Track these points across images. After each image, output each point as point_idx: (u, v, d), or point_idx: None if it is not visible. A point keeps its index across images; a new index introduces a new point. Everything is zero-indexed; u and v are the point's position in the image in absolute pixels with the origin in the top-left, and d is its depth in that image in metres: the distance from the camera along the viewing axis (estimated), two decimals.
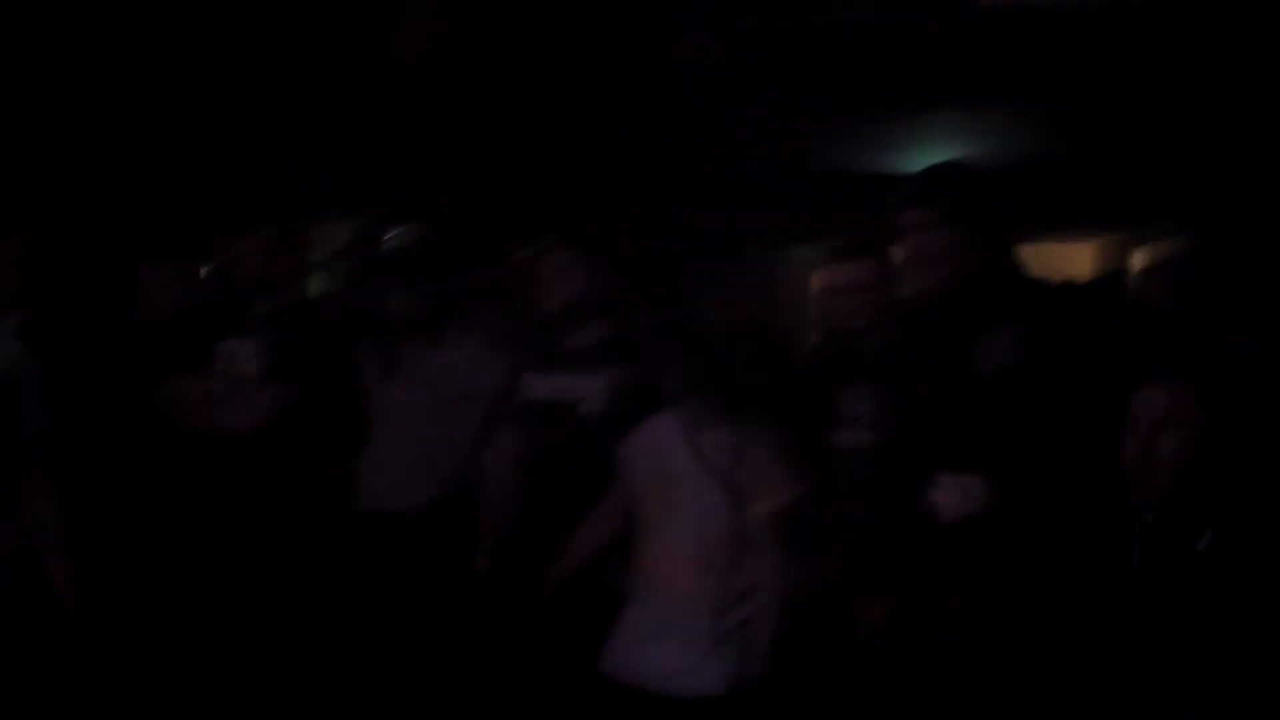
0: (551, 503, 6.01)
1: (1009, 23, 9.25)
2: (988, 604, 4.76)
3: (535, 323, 6.47)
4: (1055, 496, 4.67)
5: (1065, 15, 9.12)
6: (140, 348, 7.31)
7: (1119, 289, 8.22)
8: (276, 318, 7.01)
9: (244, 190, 12.72)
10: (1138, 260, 13.07)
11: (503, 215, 12.92)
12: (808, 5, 9.76)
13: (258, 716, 6.62)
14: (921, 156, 12.01)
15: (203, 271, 7.98)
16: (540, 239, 7.11)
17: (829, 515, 5.39)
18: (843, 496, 5.19)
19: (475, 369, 6.73)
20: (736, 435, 5.19)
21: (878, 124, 10.91)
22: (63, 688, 5.79)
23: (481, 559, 6.14)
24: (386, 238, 12.96)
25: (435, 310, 6.88)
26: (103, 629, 5.65)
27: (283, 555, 6.75)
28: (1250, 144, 10.20)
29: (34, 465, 5.21)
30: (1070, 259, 12.76)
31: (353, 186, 13.39)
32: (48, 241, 7.37)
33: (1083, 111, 9.76)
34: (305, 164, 13.25)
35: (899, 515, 4.86)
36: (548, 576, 5.61)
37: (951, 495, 4.69)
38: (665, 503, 5.25)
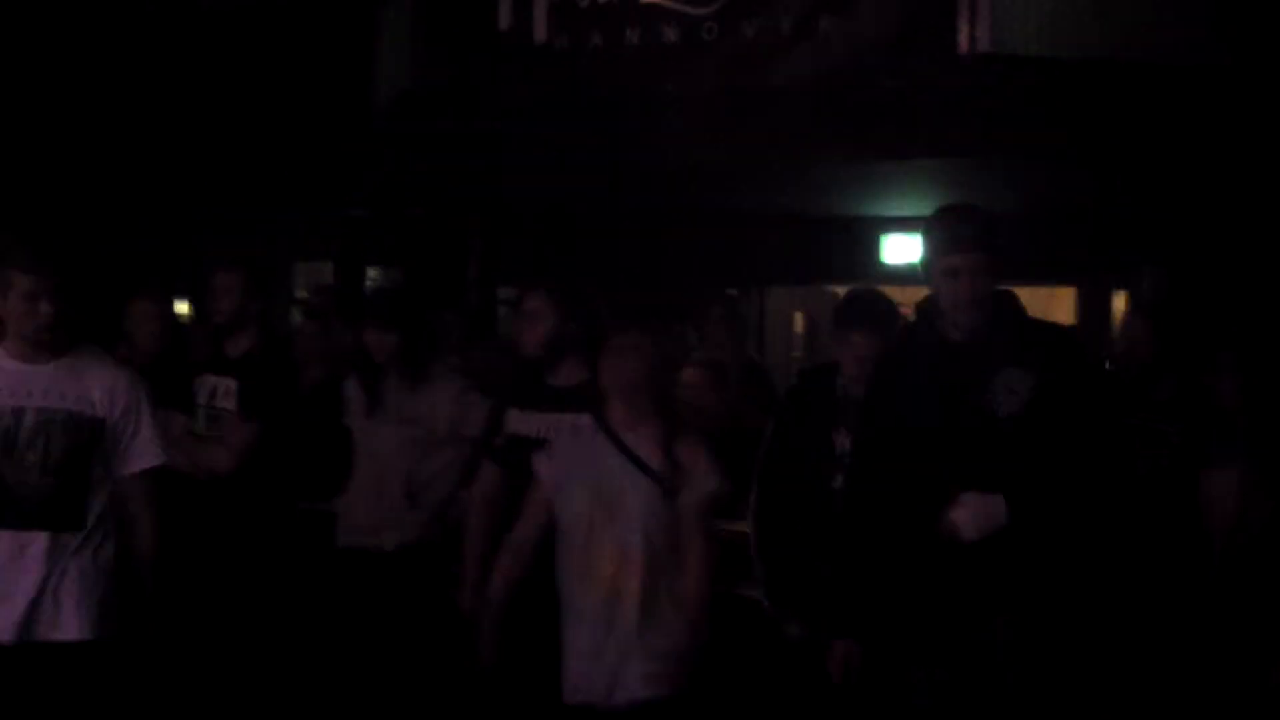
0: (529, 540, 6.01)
1: (995, 72, 9.31)
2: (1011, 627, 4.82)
3: (517, 362, 6.45)
4: (1070, 520, 4.78)
5: (1053, 66, 9.19)
6: None
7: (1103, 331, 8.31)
8: (256, 355, 6.99)
9: (223, 227, 12.74)
10: (1119, 304, 13.17)
11: (482, 257, 12.98)
12: (797, 52, 9.82)
13: None
14: (902, 202, 12.13)
15: (181, 308, 8.00)
16: (522, 280, 7.12)
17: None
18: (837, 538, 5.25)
19: (458, 407, 6.73)
20: (669, 433, 5.36)
21: (859, 169, 10.94)
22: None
23: (463, 597, 6.12)
24: (367, 278, 13.04)
25: (417, 349, 6.87)
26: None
27: (264, 591, 6.74)
28: (1226, 190, 10.28)
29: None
30: (1049, 304, 12.83)
31: (333, 227, 13.43)
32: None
33: (1064, 161, 9.82)
34: (286, 202, 13.28)
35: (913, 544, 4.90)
36: (486, 603, 5.66)
37: (973, 514, 4.75)
38: (604, 504, 5.33)
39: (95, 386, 5.15)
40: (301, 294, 12.57)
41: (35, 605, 5.01)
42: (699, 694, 5.31)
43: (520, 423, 6.17)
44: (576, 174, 10.98)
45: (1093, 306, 13.65)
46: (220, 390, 6.90)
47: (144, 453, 5.23)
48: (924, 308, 5.09)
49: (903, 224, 12.77)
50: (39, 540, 5.03)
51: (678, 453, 5.35)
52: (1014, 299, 5.04)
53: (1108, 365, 7.43)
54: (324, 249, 13.52)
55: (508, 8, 10.84)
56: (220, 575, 6.73)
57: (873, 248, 13.14)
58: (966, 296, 4.87)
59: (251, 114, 13.80)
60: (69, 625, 5.04)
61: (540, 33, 10.69)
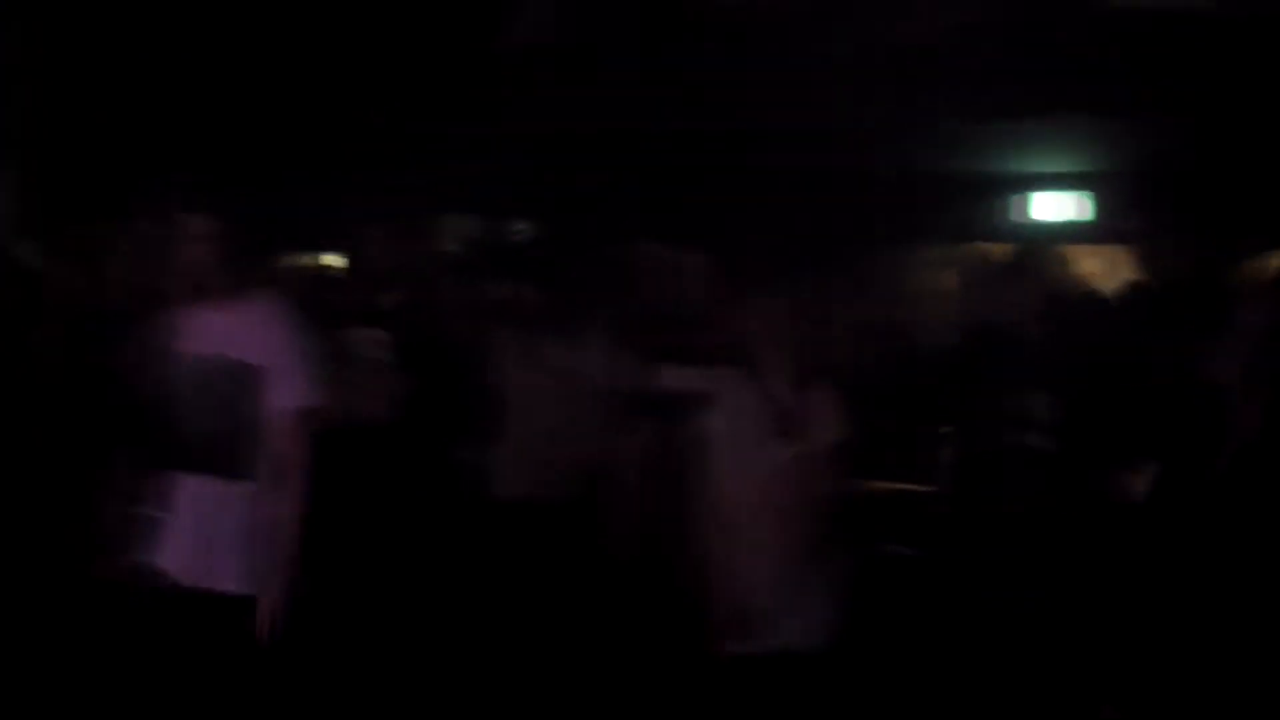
0: (682, 492, 6.04)
1: (1136, 26, 9.16)
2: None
3: (667, 316, 6.47)
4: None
5: (1194, 20, 9.02)
6: None
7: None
8: (406, 308, 7.07)
9: (373, 183, 12.87)
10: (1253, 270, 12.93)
11: (633, 213, 12.98)
12: (930, 5, 9.72)
13: (396, 701, 6.71)
14: (1042, 161, 11.98)
15: (334, 262, 8.10)
16: (671, 237, 7.14)
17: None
18: (1018, 492, 5.24)
19: (607, 361, 6.75)
20: (802, 378, 5.31)
21: (999, 125, 10.83)
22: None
23: (613, 547, 6.17)
24: (516, 231, 13.08)
25: (567, 304, 6.91)
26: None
27: (414, 542, 6.82)
28: None
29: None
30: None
31: (480, 181, 13.50)
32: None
33: (1203, 119, 9.64)
34: (433, 158, 13.37)
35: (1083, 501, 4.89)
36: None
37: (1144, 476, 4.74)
38: (736, 455, 5.32)
39: (255, 331, 5.09)
40: (450, 247, 12.63)
41: (200, 551, 5.00)
42: (833, 646, 5.29)
43: (670, 376, 6.19)
44: (717, 134, 10.95)
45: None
46: (372, 341, 6.98)
47: (297, 393, 5.12)
48: None
49: (1051, 182, 12.59)
50: (204, 485, 5.02)
51: (809, 396, 5.31)
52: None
53: None
54: (473, 203, 13.58)
55: None
56: (373, 524, 6.81)
57: (1022, 207, 12.98)
58: (1139, 255, 4.87)
59: (394, 69, 13.93)
60: (228, 576, 5.02)
61: None
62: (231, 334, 5.05)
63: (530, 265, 7.18)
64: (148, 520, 5.11)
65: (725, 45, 10.37)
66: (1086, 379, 5.11)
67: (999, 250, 6.41)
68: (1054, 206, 12.49)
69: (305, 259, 7.69)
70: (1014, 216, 12.83)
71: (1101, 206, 11.95)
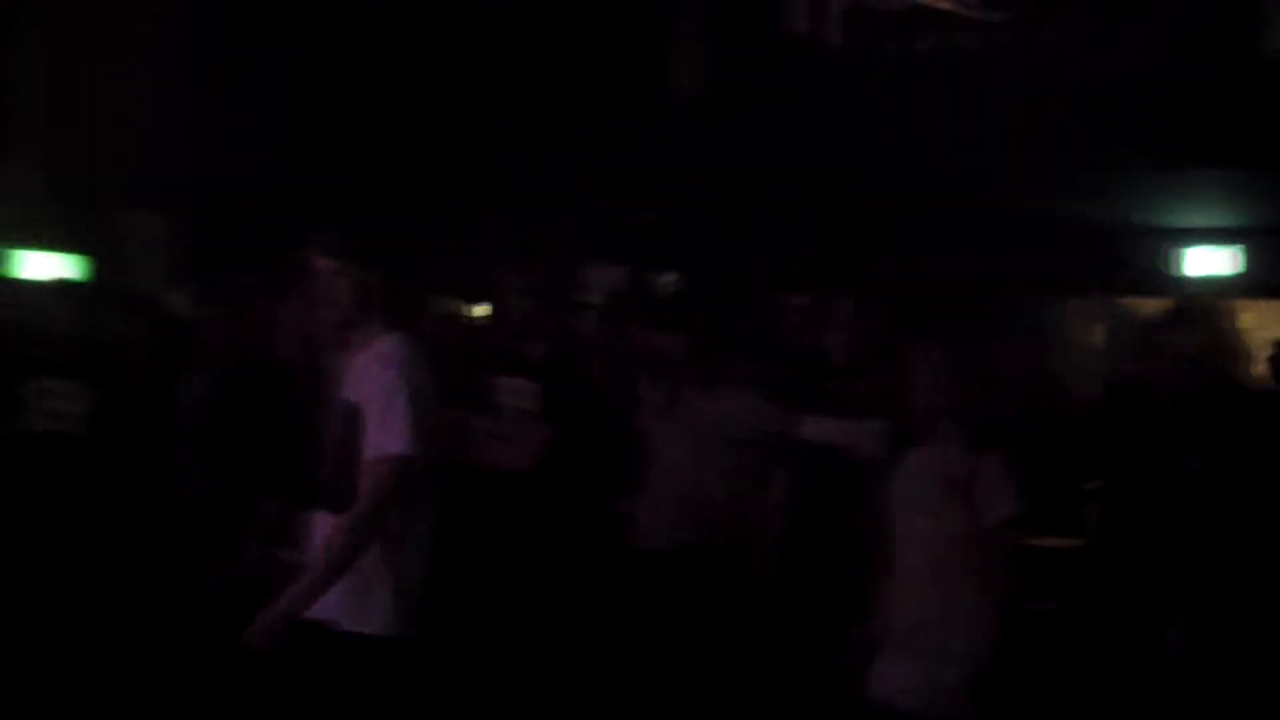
0: (823, 544, 6.03)
1: None
2: None
3: (811, 367, 6.46)
4: None
5: None
6: None
7: None
8: (553, 357, 7.11)
9: (518, 231, 12.98)
10: None
11: (776, 262, 12.99)
12: (1094, 57, 9.66)
13: None
14: (1196, 214, 11.83)
15: (481, 311, 8.16)
16: (817, 286, 7.13)
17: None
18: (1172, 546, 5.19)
19: (750, 412, 6.75)
20: (975, 446, 5.21)
21: (1153, 177, 10.71)
22: None
23: (755, 596, 6.16)
24: (661, 282, 13.13)
25: (710, 354, 6.92)
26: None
27: (557, 590, 6.84)
28: None
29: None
30: None
31: (625, 230, 13.58)
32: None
33: None
34: (579, 206, 13.47)
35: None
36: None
37: None
38: (908, 520, 5.26)
39: (368, 373, 5.03)
40: (594, 298, 12.70)
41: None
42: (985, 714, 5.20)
43: (813, 428, 6.17)
44: (868, 179, 10.93)
45: None
46: (518, 392, 7.02)
47: (385, 437, 4.94)
48: None
49: (1204, 236, 12.44)
50: (329, 523, 4.97)
51: (984, 465, 5.21)
52: None
53: None
54: (616, 252, 13.67)
55: (801, 12, 10.87)
56: (517, 574, 6.84)
57: (1174, 260, 12.82)
58: None
59: (542, 117, 14.06)
60: (342, 613, 4.95)
61: (833, 37, 10.69)
62: (355, 376, 5.05)
63: (676, 314, 7.19)
64: (287, 561, 5.18)
65: (882, 93, 10.39)
66: (1237, 433, 5.04)
67: (1150, 304, 6.34)
68: (1207, 260, 12.34)
69: (453, 307, 7.72)
70: (1167, 269, 12.69)
71: (1254, 260, 11.78)
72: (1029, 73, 9.91)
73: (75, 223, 15.19)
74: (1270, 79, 9.26)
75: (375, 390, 4.95)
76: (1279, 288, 11.01)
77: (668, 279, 13.13)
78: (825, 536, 6.10)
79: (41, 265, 14.10)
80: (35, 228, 15.24)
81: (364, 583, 4.93)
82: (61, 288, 8.27)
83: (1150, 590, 6.02)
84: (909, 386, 5.33)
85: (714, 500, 6.75)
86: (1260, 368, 7.98)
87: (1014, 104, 10.19)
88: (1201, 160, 9.77)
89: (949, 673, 5.11)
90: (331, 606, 4.95)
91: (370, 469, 4.89)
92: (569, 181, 13.47)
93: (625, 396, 7.22)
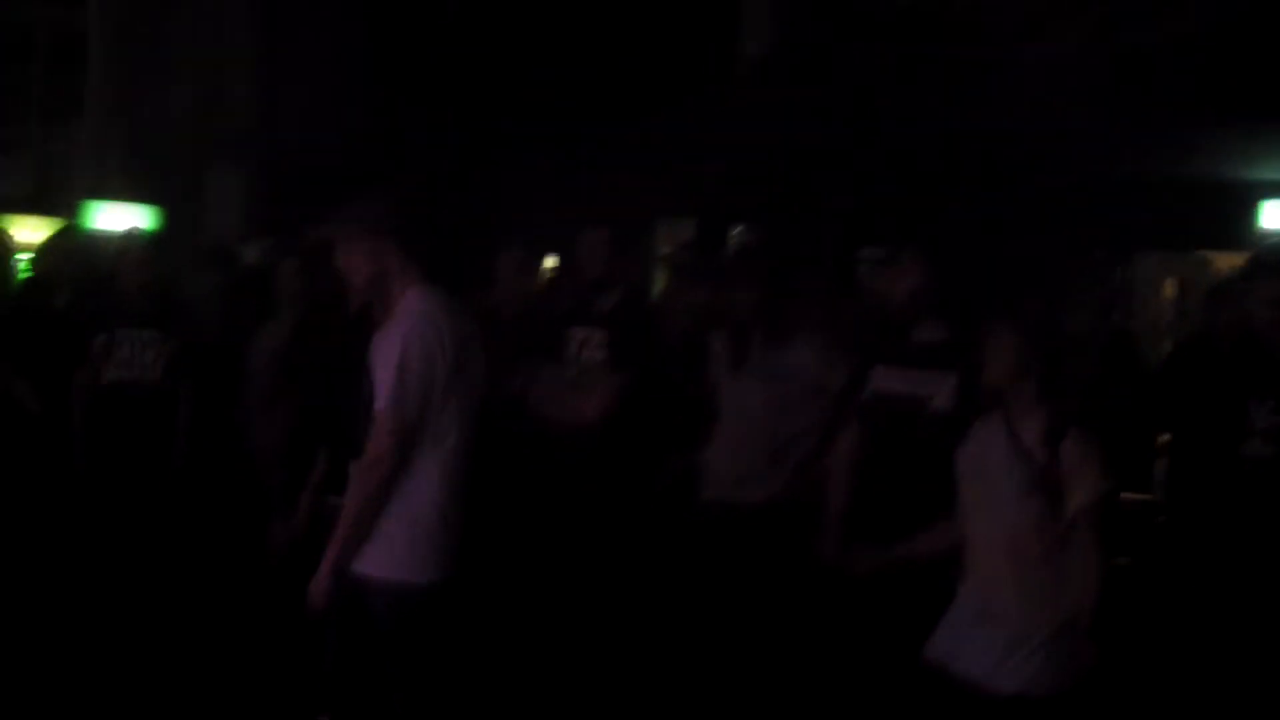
0: (894, 496, 6.01)
1: None
2: None
3: (883, 319, 6.44)
4: None
5: None
6: (495, 334, 7.53)
7: None
8: (624, 309, 7.12)
9: (589, 184, 12.99)
10: None
11: (850, 215, 12.95)
12: (1172, 11, 9.56)
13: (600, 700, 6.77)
14: (1271, 168, 11.70)
15: (553, 264, 8.19)
16: (883, 239, 7.10)
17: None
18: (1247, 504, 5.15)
19: (821, 365, 6.73)
20: (1055, 429, 5.12)
21: (1230, 132, 10.60)
22: None
23: (824, 550, 6.16)
24: (731, 235, 13.09)
25: (782, 307, 6.90)
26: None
27: (625, 542, 6.86)
28: None
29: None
30: None
31: (695, 184, 13.56)
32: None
33: None
34: (650, 160, 13.46)
35: None
36: (884, 561, 5.62)
37: None
38: (984, 495, 5.20)
39: (387, 330, 5.28)
40: (664, 250, 12.70)
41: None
42: (1072, 694, 5.12)
43: (885, 379, 6.16)
44: (939, 136, 10.86)
45: None
46: (590, 342, 7.04)
47: (382, 393, 5.17)
48: None
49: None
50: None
51: (1065, 449, 5.09)
52: None
53: None
54: (686, 206, 13.65)
55: None
56: (584, 523, 6.87)
57: (1250, 214, 12.69)
58: None
59: (618, 73, 14.06)
60: (373, 561, 5.19)
61: None
62: (382, 334, 5.26)
63: (748, 267, 7.16)
64: (335, 510, 5.34)
65: (952, 50, 10.31)
66: None
67: (1225, 258, 6.30)
68: None
69: (522, 259, 7.73)
70: (1244, 224, 12.56)
71: None
72: (1107, 30, 9.80)
73: (151, 176, 15.33)
74: None
75: (386, 348, 5.17)
76: None
77: (738, 232, 13.09)
78: (895, 489, 6.09)
79: (117, 218, 14.23)
80: (111, 181, 15.40)
81: (381, 535, 5.16)
82: (137, 240, 8.33)
83: (1217, 545, 5.99)
84: (984, 354, 5.28)
85: (784, 452, 6.75)
86: None
87: (1092, 62, 10.09)
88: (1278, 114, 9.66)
89: (1026, 645, 5.05)
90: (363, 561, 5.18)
91: (374, 424, 5.14)
92: (641, 134, 13.47)
93: (695, 348, 7.23)
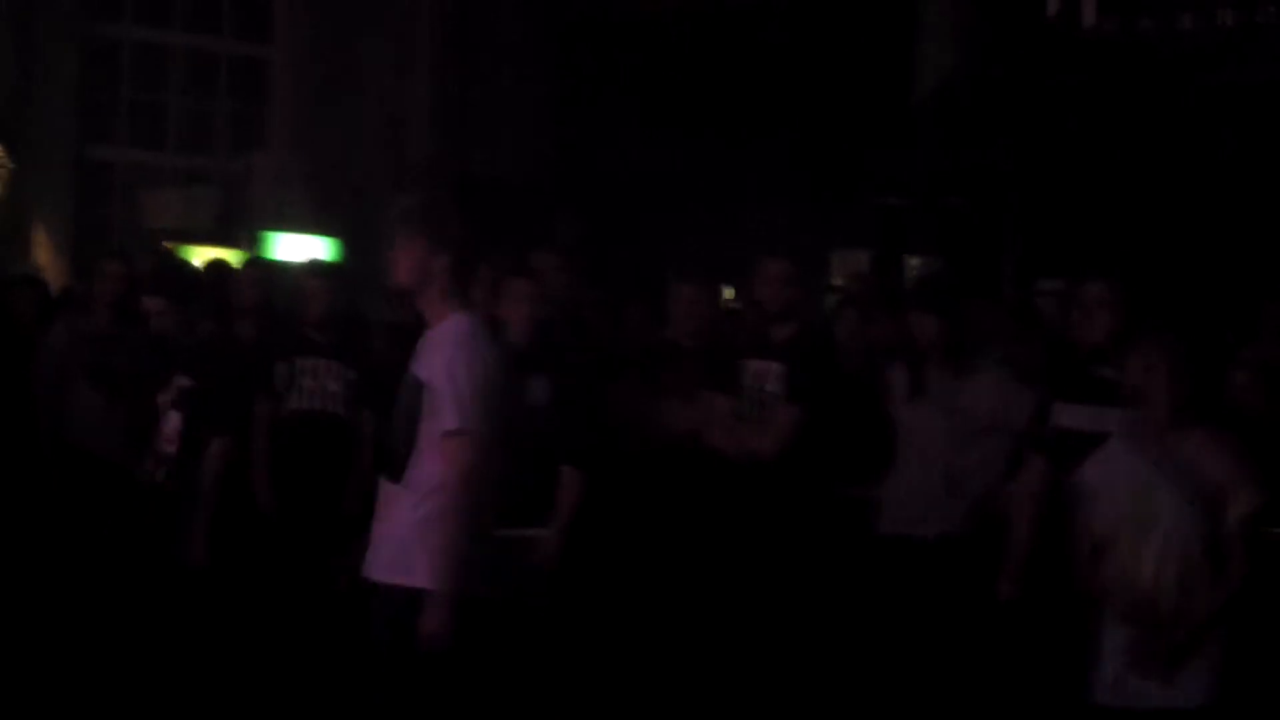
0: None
1: None
2: None
3: (1064, 352, 6.34)
4: None
5: None
6: (666, 365, 7.53)
7: None
8: (800, 341, 7.07)
9: (765, 215, 12.96)
10: None
11: (1021, 246, 12.80)
12: None
13: None
14: None
15: (728, 294, 8.16)
16: (1061, 270, 7.01)
17: None
18: None
19: (1003, 398, 6.65)
20: (1197, 446, 5.13)
21: None
22: None
23: (1005, 587, 6.08)
24: (910, 265, 13.01)
25: (960, 339, 6.83)
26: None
27: (799, 575, 6.80)
28: None
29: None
30: None
31: (871, 215, 13.49)
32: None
33: None
34: (826, 191, 13.40)
35: None
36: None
37: None
38: (1137, 521, 5.14)
39: (425, 350, 5.31)
40: (838, 281, 12.63)
41: (383, 549, 5.25)
42: (1226, 707, 5.14)
43: (1067, 415, 6.07)
44: (1124, 164, 10.69)
45: None
46: (765, 374, 7.00)
47: (446, 415, 5.19)
48: None
49: None
50: (391, 491, 5.27)
51: (1220, 464, 5.12)
52: None
53: None
54: (861, 237, 13.59)
55: None
56: (752, 555, 6.83)
57: None
58: None
59: (792, 103, 14.03)
60: (394, 568, 5.20)
61: (1088, 17, 10.48)
62: (430, 355, 5.27)
63: (928, 298, 7.10)
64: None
65: (1140, 73, 10.16)
66: None
67: None
68: None
69: (697, 291, 7.69)
70: None
71: None
72: None
73: (331, 207, 15.56)
74: None
75: (434, 367, 5.20)
76: None
77: (916, 263, 12.99)
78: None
79: (298, 248, 14.46)
80: (292, 212, 15.65)
81: (408, 543, 5.17)
82: (318, 270, 8.45)
83: None
84: (1144, 378, 5.23)
85: (962, 487, 6.68)
86: None
87: (1276, 82, 9.86)
88: None
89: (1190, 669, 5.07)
90: (381, 567, 5.24)
91: (446, 446, 5.16)
92: (815, 167, 13.42)
93: (873, 381, 7.17)
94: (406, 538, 5.17)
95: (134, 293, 8.29)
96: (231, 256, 12.90)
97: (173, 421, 6.90)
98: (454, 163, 15.35)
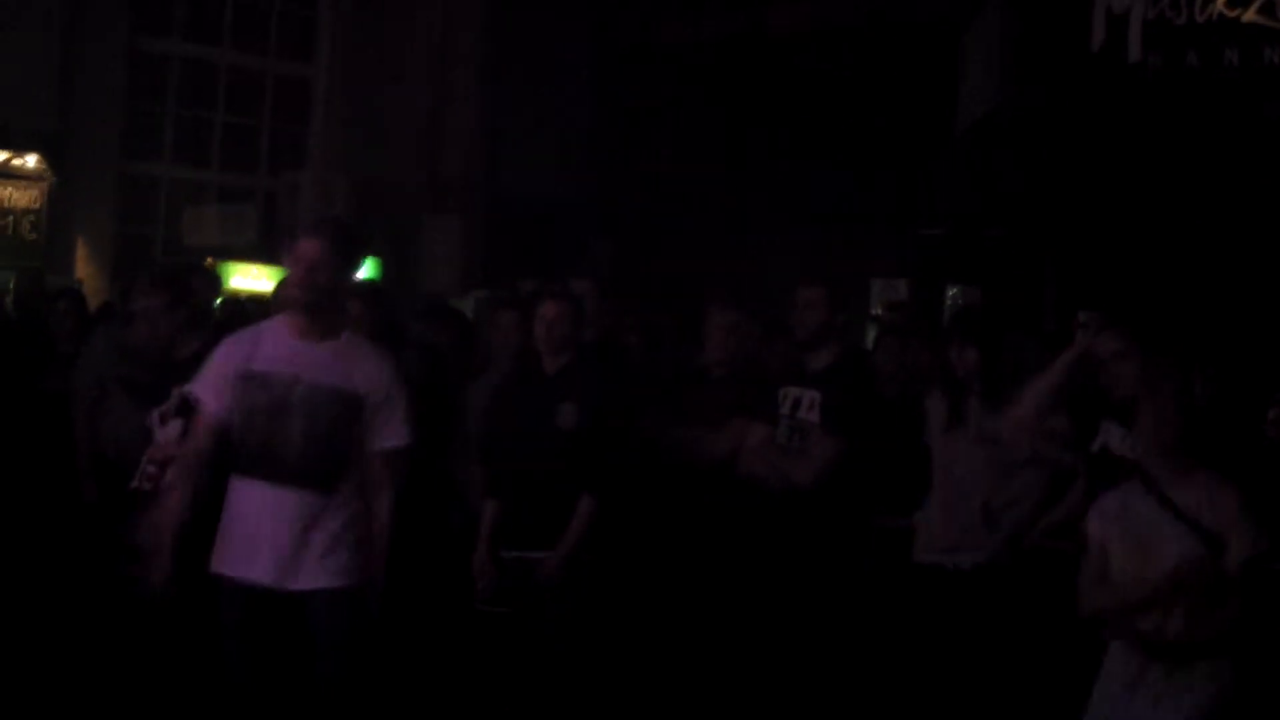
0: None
1: None
2: None
3: (1100, 385, 6.31)
4: None
5: None
6: (702, 391, 7.51)
7: None
8: (839, 369, 7.03)
9: (803, 242, 12.95)
10: None
11: (1059, 278, 12.76)
12: None
13: None
14: None
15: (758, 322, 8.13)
16: (1098, 303, 6.98)
17: None
18: None
19: (1039, 428, 6.61)
20: (1206, 487, 5.20)
21: None
22: None
23: (1041, 617, 6.08)
24: (949, 295, 12.98)
25: (1000, 370, 6.80)
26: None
27: (835, 603, 6.77)
28: None
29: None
30: None
31: (911, 244, 13.47)
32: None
33: None
34: (866, 219, 13.40)
35: None
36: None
37: None
38: (1140, 557, 5.22)
39: (358, 369, 5.64)
40: (877, 310, 12.61)
41: (286, 556, 5.54)
42: None
43: (1112, 436, 6.06)
44: (1165, 197, 10.64)
45: None
46: (803, 402, 6.96)
47: (392, 433, 5.68)
48: None
49: None
50: (292, 497, 5.55)
51: (1222, 508, 5.18)
52: None
53: None
54: (900, 266, 13.56)
55: (1100, 27, 10.63)
56: (788, 583, 6.80)
57: None
58: None
59: (834, 132, 14.03)
60: (311, 575, 5.56)
61: (1134, 52, 10.44)
62: (335, 367, 5.66)
63: (965, 329, 7.08)
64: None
65: (1186, 108, 10.10)
66: None
67: None
68: None
69: (729, 317, 7.64)
70: None
71: None
72: None
73: (371, 225, 15.61)
74: None
75: (376, 387, 5.70)
76: None
77: (955, 293, 12.96)
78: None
79: None
80: None
81: (314, 546, 5.58)
82: (355, 288, 8.44)
83: None
84: (1144, 429, 5.30)
85: (1000, 516, 6.66)
86: None
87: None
88: None
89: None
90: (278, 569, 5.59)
91: (383, 461, 5.71)
92: (855, 194, 13.41)
93: (911, 409, 7.14)
94: (333, 544, 5.61)
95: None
96: (271, 274, 12.94)
97: (173, 429, 6.86)
98: (493, 184, 15.38)
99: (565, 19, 16.07)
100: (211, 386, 5.72)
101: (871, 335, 10.96)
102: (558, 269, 7.95)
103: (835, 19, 13.99)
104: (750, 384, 7.35)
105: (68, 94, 15.84)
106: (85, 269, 15.87)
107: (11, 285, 12.24)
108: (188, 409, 6.76)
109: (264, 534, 5.55)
